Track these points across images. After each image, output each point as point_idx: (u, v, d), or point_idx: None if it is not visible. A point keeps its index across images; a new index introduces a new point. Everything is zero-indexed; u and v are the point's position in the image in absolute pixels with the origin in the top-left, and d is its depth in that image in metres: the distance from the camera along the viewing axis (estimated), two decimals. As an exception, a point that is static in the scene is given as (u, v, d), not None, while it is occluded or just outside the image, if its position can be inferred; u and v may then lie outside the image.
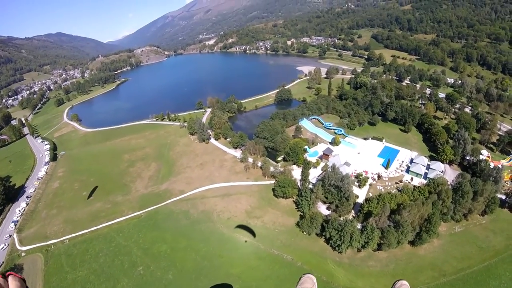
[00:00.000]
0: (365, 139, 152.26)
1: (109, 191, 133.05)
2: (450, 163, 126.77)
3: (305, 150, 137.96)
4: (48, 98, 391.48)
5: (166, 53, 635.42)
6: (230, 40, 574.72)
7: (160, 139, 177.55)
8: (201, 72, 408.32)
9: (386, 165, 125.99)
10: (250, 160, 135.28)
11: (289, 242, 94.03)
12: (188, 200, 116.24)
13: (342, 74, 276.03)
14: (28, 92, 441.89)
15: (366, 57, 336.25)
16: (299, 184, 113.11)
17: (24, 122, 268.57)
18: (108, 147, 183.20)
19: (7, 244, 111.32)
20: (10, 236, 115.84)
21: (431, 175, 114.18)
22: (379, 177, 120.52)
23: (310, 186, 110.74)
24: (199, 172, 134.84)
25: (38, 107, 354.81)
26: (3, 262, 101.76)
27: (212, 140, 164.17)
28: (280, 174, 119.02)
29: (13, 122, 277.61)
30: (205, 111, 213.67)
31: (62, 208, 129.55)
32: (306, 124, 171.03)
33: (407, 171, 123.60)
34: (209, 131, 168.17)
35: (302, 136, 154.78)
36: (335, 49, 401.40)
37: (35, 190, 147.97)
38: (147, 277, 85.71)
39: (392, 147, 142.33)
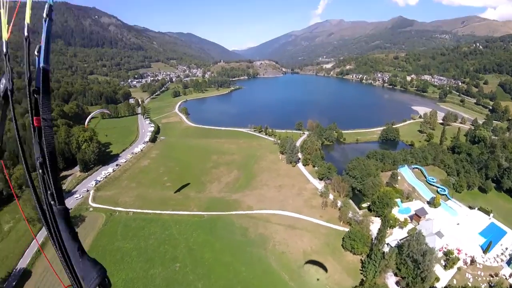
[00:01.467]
0: (470, 207, 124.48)
1: (186, 182, 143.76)
2: None
3: (395, 204, 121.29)
4: (167, 88, 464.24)
5: (283, 69, 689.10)
6: (347, 67, 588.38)
7: (251, 150, 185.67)
8: (311, 94, 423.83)
9: (486, 248, 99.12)
10: (331, 196, 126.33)
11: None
12: (251, 218, 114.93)
13: (461, 122, 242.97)
14: (151, 78, 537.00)
15: (490, 107, 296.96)
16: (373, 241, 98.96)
17: (140, 102, 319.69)
18: (202, 144, 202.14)
19: (82, 196, 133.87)
20: (87, 190, 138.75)
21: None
22: (472, 261, 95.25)
23: (385, 249, 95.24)
24: (274, 193, 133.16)
25: (156, 93, 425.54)
26: (71, 208, 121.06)
27: (300, 165, 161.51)
28: (357, 223, 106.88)
29: (131, 101, 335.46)
30: (303, 133, 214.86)
31: (141, 184, 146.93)
32: (406, 172, 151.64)
33: (509, 262, 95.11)
34: (299, 154, 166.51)
35: (397, 185, 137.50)
36: (457, 93, 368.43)
37: (125, 161, 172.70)
38: (179, 275, 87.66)
39: (499, 225, 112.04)
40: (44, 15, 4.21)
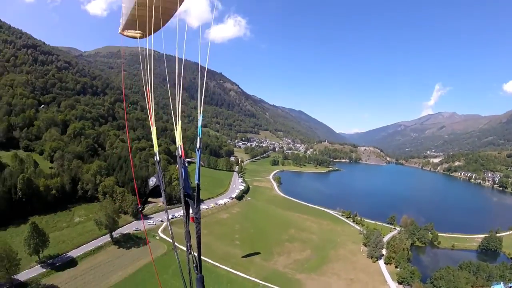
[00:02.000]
0: None
1: (255, 247, 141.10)
2: None
3: None
4: (268, 155, 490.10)
5: (387, 158, 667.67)
6: (456, 163, 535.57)
7: (332, 234, 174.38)
8: (413, 188, 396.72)
9: None
10: None
11: None
12: None
13: None
14: (256, 144, 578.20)
15: None
16: None
17: (239, 162, 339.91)
18: (285, 215, 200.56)
19: (155, 223, 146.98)
20: (162, 220, 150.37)
21: None
22: None
23: None
24: (343, 286, 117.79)
25: (257, 157, 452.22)
26: (139, 229, 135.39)
27: (381, 262, 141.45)
28: None
29: (232, 158, 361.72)
30: (394, 228, 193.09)
31: (212, 233, 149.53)
32: None
33: None
34: (383, 250, 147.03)
35: None
36: None
37: (206, 208, 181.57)
38: None
39: None
40: (198, 146, 6.21)
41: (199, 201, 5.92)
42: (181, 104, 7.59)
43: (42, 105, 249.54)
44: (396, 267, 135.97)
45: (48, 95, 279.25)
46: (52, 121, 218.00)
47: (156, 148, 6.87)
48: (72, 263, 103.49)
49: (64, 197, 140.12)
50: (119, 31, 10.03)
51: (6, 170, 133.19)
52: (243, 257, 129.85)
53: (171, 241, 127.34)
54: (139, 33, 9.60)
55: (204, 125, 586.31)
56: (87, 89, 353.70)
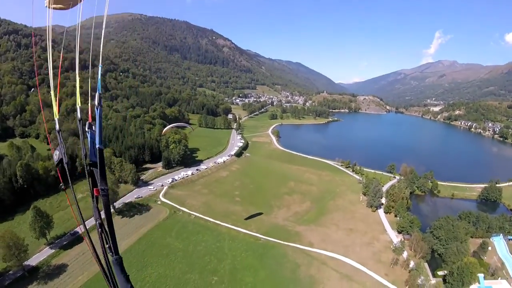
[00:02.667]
0: None
1: (254, 203, 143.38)
2: None
3: (476, 279, 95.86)
4: (267, 110, 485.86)
5: (387, 107, 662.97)
6: (456, 112, 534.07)
7: (331, 184, 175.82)
8: (412, 136, 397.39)
9: None
10: (405, 255, 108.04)
11: None
12: (307, 255, 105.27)
13: None
14: (254, 99, 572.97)
15: None
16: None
17: (237, 119, 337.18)
18: (284, 168, 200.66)
19: (155, 189, 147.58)
20: (162, 185, 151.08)
21: None
22: None
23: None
24: (342, 235, 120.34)
25: (255, 113, 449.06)
26: (141, 196, 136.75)
27: (381, 211, 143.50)
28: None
29: (229, 116, 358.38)
30: (394, 177, 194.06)
31: (212, 192, 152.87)
32: (499, 244, 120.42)
33: None
34: (382, 199, 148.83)
35: (485, 258, 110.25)
36: None
37: (206, 168, 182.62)
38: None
39: None
40: (96, 103, 5.43)
41: (104, 169, 5.16)
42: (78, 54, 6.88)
43: (32, 89, 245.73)
44: (396, 216, 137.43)
45: (38, 76, 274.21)
46: (44, 103, 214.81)
47: (56, 115, 6.30)
48: (79, 239, 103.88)
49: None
50: (45, 4, 8.42)
51: (5, 160, 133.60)
52: (245, 219, 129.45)
53: (173, 204, 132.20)
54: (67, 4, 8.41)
55: (200, 85, 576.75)
56: (75, 63, 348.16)
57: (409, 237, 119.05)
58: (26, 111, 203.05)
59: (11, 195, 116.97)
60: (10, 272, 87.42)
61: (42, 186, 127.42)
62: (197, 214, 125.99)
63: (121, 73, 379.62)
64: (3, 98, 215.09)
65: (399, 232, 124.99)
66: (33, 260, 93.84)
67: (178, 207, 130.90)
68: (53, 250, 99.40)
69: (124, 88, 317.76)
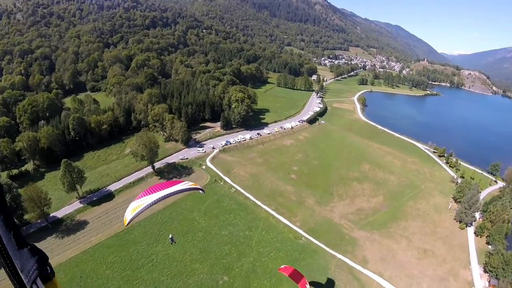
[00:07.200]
0: None
1: (311, 185, 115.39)
2: None
3: None
4: (356, 74, 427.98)
5: (494, 88, 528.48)
6: None
7: (416, 177, 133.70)
8: None
9: None
10: None
11: None
12: (354, 279, 74.09)
13: None
14: (344, 61, 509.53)
15: None
16: None
17: (320, 80, 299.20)
18: (361, 145, 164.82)
19: (204, 151, 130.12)
20: (213, 148, 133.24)
21: None
22: None
23: None
24: (411, 257, 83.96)
25: (342, 76, 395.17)
26: (186, 158, 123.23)
27: (470, 231, 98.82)
28: None
29: (313, 77, 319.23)
30: (495, 181, 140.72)
31: (267, 163, 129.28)
32: None
33: None
34: (477, 213, 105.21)
35: None
36: None
37: (268, 133, 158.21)
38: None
39: None
40: None
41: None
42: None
43: (110, 47, 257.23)
44: (488, 243, 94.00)
45: (116, 35, 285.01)
46: (117, 58, 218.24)
47: None
48: (109, 196, 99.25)
49: (119, 130, 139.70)
50: None
51: (63, 113, 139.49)
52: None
53: (217, 171, 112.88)
54: None
55: (288, 44, 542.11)
56: (157, 22, 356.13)
57: (496, 284, 79.38)
58: (98, 67, 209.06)
59: (63, 147, 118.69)
60: (37, 221, 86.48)
61: (94, 139, 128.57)
62: (239, 188, 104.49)
63: (204, 30, 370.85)
64: (80, 55, 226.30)
65: (485, 271, 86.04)
66: (61, 212, 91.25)
67: (222, 175, 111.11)
68: (81, 205, 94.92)
69: (204, 44, 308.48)
